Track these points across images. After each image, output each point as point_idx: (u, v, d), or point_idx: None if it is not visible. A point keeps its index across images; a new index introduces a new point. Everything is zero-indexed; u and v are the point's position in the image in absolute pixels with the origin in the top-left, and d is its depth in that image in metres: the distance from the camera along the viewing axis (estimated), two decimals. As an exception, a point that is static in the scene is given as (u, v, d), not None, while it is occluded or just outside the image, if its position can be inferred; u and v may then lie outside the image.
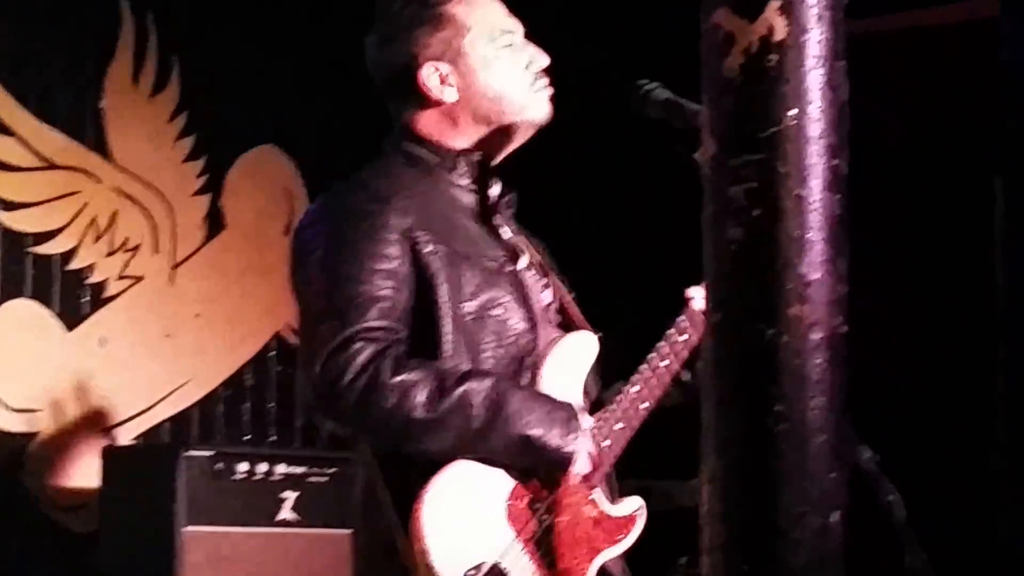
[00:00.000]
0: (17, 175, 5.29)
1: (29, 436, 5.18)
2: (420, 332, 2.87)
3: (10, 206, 5.25)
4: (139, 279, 5.49)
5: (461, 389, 2.80)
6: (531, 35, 3.10)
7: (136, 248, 5.50)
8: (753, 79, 1.58)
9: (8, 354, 5.18)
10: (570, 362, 3.00)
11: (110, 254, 5.44)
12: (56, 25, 5.34)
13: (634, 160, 5.15)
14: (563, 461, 2.87)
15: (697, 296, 3.05)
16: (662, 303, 3.12)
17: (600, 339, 3.05)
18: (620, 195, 5.68)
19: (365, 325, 2.80)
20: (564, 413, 2.87)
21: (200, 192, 5.68)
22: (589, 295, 3.17)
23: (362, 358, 2.77)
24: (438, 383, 2.79)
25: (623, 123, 3.24)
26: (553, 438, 2.85)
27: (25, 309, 5.26)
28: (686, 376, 3.08)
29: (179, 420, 5.49)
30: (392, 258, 2.86)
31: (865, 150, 1.97)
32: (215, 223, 5.68)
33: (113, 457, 4.97)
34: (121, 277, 5.46)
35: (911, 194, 5.12)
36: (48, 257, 5.32)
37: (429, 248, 2.89)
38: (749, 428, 1.58)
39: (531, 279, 3.04)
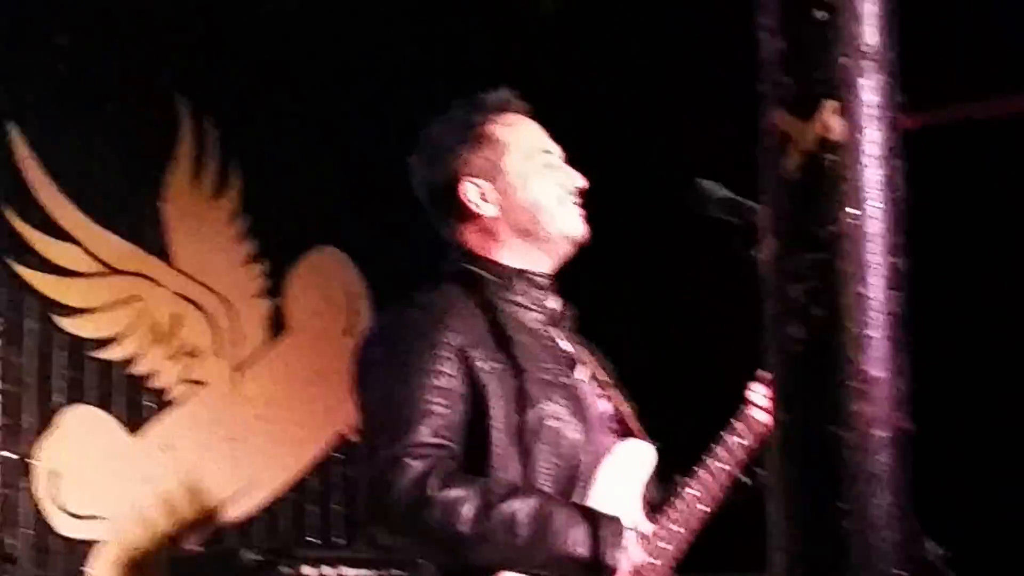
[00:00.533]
0: (78, 281, 5.34)
1: (93, 543, 5.20)
2: (475, 446, 2.96)
3: (72, 312, 5.30)
4: (201, 383, 5.53)
5: (507, 506, 2.87)
6: (591, 140, 3.17)
7: (198, 352, 5.54)
8: (811, 179, 1.60)
9: (72, 460, 5.21)
10: (626, 470, 3.06)
11: (172, 358, 5.48)
12: (115, 130, 5.41)
13: (692, 259, 5.16)
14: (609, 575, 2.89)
15: (756, 397, 3.09)
16: (721, 404, 3.14)
17: (657, 447, 3.10)
18: (678, 295, 5.68)
19: (417, 441, 2.90)
20: (610, 528, 2.92)
21: (261, 295, 5.72)
22: (648, 399, 3.20)
23: (412, 473, 2.86)
24: (485, 499, 2.87)
25: (681, 222, 3.27)
26: (598, 554, 2.89)
27: (88, 415, 5.29)
28: (745, 479, 3.11)
29: (244, 524, 5.50)
30: (446, 375, 2.96)
31: (926, 245, 1.98)
32: (277, 325, 5.72)
33: (179, 563, 4.99)
34: (183, 381, 5.50)
35: (974, 289, 5.10)
36: (110, 362, 5.36)
37: (483, 364, 2.98)
38: (815, 526, 1.58)
39: (588, 389, 3.11)
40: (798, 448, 1.60)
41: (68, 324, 5.29)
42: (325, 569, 4.77)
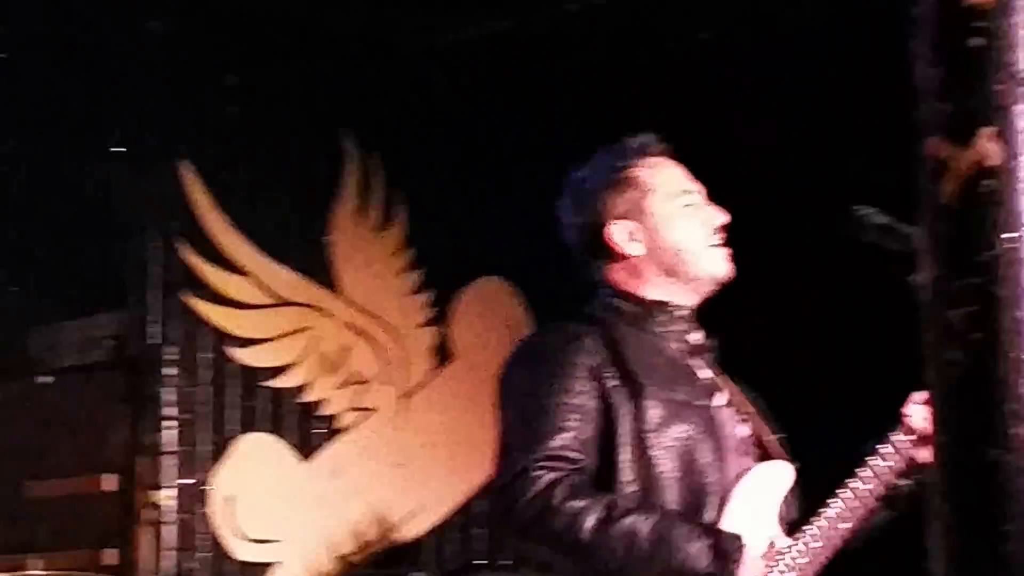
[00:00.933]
0: (251, 312, 5.46)
1: (268, 566, 5.30)
2: (604, 461, 3.05)
3: (245, 343, 5.42)
4: (370, 410, 5.61)
5: (629, 520, 2.96)
6: (749, 168, 3.20)
7: (366, 380, 5.63)
8: (969, 204, 1.61)
9: (246, 486, 5.32)
10: (761, 490, 3.13)
11: (341, 386, 5.57)
12: (284, 166, 5.53)
13: (849, 286, 5.14)
14: None
15: (914, 415, 3.12)
16: (875, 426, 3.15)
17: (801, 467, 3.14)
18: (833, 320, 5.64)
19: (546, 453, 3.01)
20: (729, 545, 2.98)
21: (427, 324, 5.79)
22: (799, 422, 3.23)
23: (539, 484, 2.98)
24: (607, 512, 2.96)
25: (837, 249, 3.29)
26: (717, 570, 2.96)
27: (261, 442, 5.41)
28: (893, 498, 3.15)
29: (413, 547, 5.57)
30: (578, 393, 3.06)
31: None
32: (442, 353, 5.79)
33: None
34: (352, 409, 5.58)
35: None
36: (281, 391, 5.47)
37: (614, 383, 3.07)
38: (978, 548, 1.60)
39: (725, 414, 3.19)
40: (958, 472, 1.61)
41: (241, 354, 5.41)
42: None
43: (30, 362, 5.48)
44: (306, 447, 5.48)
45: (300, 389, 5.51)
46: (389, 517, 5.53)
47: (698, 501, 3.05)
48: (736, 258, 3.21)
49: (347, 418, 5.57)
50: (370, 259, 5.70)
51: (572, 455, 3.02)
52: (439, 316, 5.81)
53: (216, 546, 5.27)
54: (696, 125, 3.28)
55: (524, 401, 3.13)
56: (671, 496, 3.03)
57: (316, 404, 5.53)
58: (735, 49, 5.41)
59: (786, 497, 3.15)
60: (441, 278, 5.80)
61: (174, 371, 5.29)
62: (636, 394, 3.07)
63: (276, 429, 5.44)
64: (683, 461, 3.05)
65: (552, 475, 2.98)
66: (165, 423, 5.25)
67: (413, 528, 5.58)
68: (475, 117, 5.76)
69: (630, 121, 3.34)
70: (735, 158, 3.39)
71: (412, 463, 5.63)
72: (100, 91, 5.24)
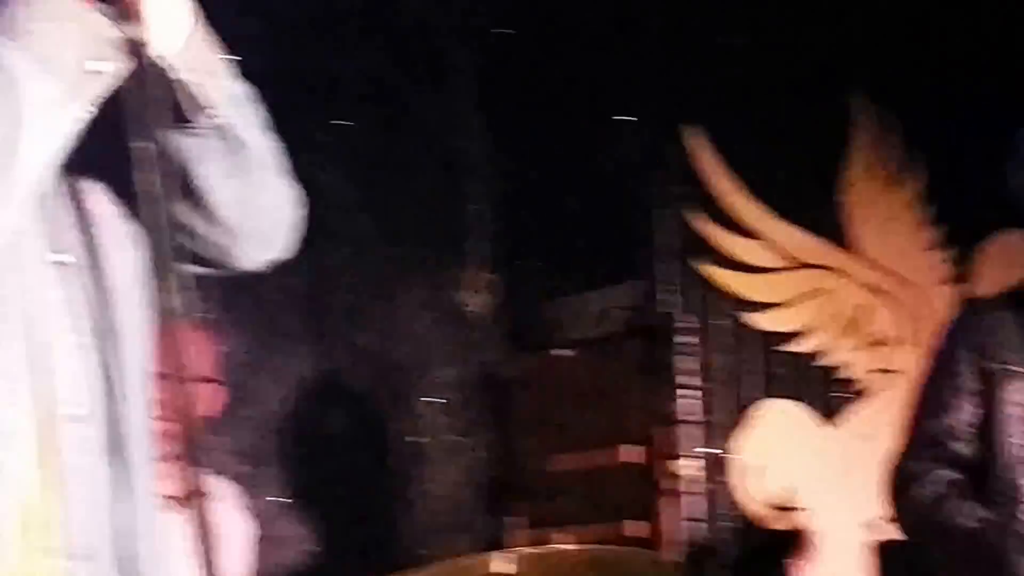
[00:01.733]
0: (765, 277, 5.41)
1: (796, 534, 5.22)
2: (984, 443, 3.13)
3: (760, 308, 5.37)
4: (894, 372, 5.47)
5: (968, 520, 3.07)
6: None
7: (888, 341, 5.50)
8: None
9: (770, 454, 5.27)
10: None
11: (862, 348, 5.46)
12: (792, 126, 5.43)
13: None
14: None
15: None
16: None
17: None
18: None
19: (919, 437, 3.18)
20: None
21: (950, 281, 5.62)
22: None
23: (906, 471, 3.19)
24: (950, 512, 3.09)
25: None
26: None
27: (782, 408, 5.34)
28: None
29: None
30: (960, 375, 3.14)
31: None
32: (967, 312, 5.59)
33: (884, 552, 4.96)
34: (876, 371, 5.46)
35: None
36: (800, 355, 5.39)
37: (1000, 366, 3.13)
38: None
39: None
40: None
41: (757, 320, 5.36)
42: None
43: (549, 335, 5.56)
44: (829, 412, 5.39)
45: (819, 353, 5.41)
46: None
47: None
48: None
49: (870, 381, 5.45)
50: (886, 217, 5.58)
51: (947, 440, 3.12)
52: (962, 273, 5.63)
53: (741, 516, 5.22)
54: None
55: (921, 379, 3.27)
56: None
57: (836, 368, 5.43)
58: None
59: None
60: (962, 233, 5.62)
61: (690, 339, 5.26)
62: (1013, 374, 3.11)
63: (796, 394, 5.36)
64: None
65: (919, 465, 3.13)
66: (683, 392, 5.23)
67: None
68: (987, 65, 5.55)
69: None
70: None
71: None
72: (606, 61, 5.28)
